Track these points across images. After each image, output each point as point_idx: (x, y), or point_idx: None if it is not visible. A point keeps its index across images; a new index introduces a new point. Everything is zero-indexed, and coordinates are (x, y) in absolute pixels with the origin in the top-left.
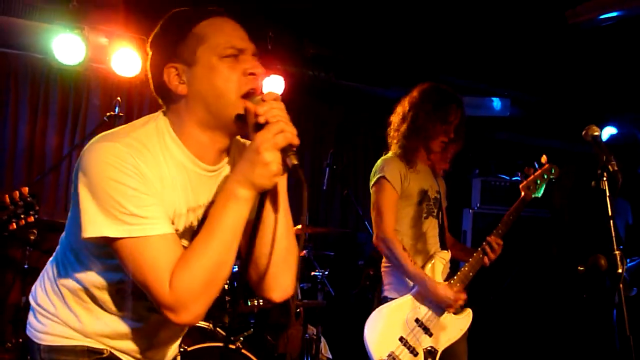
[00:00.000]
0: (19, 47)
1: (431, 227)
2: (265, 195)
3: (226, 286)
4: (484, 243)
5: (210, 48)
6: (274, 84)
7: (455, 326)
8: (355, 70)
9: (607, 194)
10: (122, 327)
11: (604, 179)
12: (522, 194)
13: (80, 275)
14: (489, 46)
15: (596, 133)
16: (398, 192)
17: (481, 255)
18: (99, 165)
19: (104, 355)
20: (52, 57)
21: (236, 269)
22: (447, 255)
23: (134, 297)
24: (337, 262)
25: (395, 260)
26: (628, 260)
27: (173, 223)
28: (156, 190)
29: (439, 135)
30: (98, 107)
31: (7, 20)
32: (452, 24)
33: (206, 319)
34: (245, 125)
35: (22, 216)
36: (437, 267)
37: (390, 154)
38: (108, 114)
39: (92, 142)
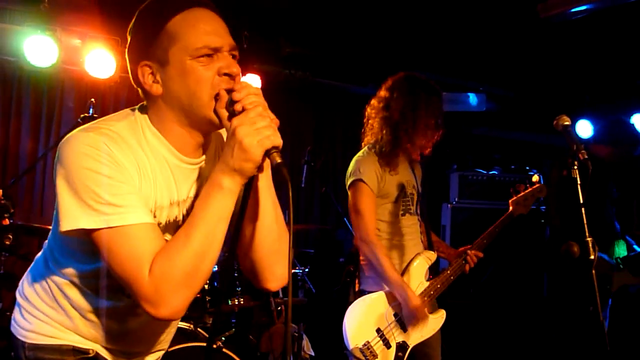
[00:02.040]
0: None
1: (409, 224)
2: (251, 187)
3: (206, 286)
4: (465, 254)
5: (182, 48)
6: (251, 82)
7: (429, 325)
8: (331, 68)
9: (579, 182)
10: (109, 322)
11: (575, 167)
12: (511, 208)
13: (68, 271)
14: (463, 42)
15: (567, 123)
16: (375, 192)
17: (463, 262)
18: (74, 155)
19: (90, 355)
20: (23, 59)
21: (216, 269)
22: (433, 256)
23: (120, 291)
24: (317, 259)
25: (376, 264)
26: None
27: (155, 216)
28: (133, 180)
29: (433, 137)
30: (72, 109)
31: None
32: (426, 21)
33: (187, 319)
34: (219, 118)
35: None
36: (422, 266)
37: (365, 152)
38: (82, 115)
39: (69, 134)
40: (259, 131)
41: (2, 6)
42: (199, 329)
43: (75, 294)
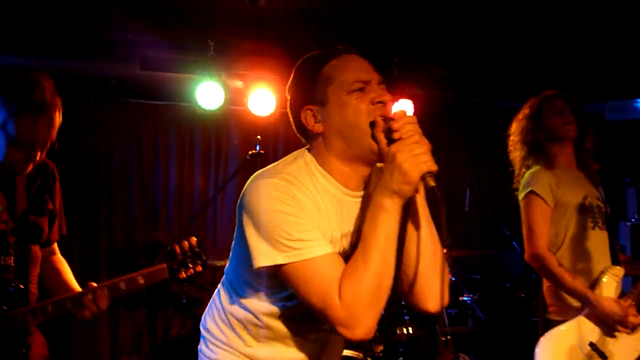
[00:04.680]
0: (165, 98)
1: (599, 241)
2: (409, 208)
3: None
4: None
5: (338, 86)
6: (404, 107)
7: (631, 347)
8: (483, 86)
9: None
10: (291, 352)
11: None
12: None
13: (249, 305)
14: (628, 46)
15: None
16: (550, 205)
17: None
18: (261, 200)
19: None
20: (195, 104)
21: None
22: (620, 272)
23: (302, 323)
24: (485, 285)
25: (550, 277)
26: None
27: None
28: (314, 217)
29: (557, 123)
30: (237, 147)
31: (154, 75)
32: (584, 29)
33: (356, 348)
34: (379, 147)
35: (191, 265)
36: (609, 285)
37: (533, 167)
38: (250, 152)
39: (252, 181)
40: (416, 157)
41: (174, 58)
42: (368, 359)
43: (253, 325)
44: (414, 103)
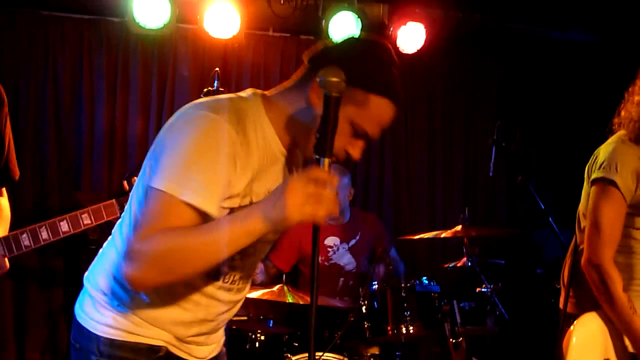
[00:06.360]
0: (90, 11)
1: None
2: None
3: (364, 309)
4: None
5: (355, 113)
6: (413, 34)
7: None
8: (520, 7)
9: None
10: (184, 307)
11: None
12: None
13: None
14: None
15: None
16: (627, 201)
17: None
18: (191, 131)
19: (161, 354)
20: (130, 19)
21: (376, 286)
22: None
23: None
24: (509, 272)
25: (605, 297)
26: None
27: (249, 197)
28: (226, 168)
29: None
30: (188, 79)
31: None
32: None
33: (339, 350)
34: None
35: None
36: None
37: (621, 139)
38: (205, 89)
39: (193, 107)
40: (306, 202)
41: None
42: None
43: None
44: (426, 28)
